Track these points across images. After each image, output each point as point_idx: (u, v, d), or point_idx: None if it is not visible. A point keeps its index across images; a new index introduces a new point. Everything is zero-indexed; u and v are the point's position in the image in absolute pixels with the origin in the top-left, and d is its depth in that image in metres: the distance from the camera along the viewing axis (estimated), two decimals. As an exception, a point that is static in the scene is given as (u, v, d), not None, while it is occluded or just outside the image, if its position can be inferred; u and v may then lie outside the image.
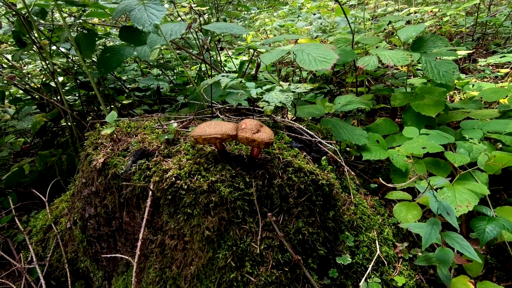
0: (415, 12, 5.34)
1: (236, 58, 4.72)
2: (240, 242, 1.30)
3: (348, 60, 2.42)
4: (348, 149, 2.71)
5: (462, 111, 2.63)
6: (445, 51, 2.50)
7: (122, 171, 1.46)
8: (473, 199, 1.54)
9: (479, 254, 1.39)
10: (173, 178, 1.30)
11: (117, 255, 1.42)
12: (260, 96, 1.54)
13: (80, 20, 2.81)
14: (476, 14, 5.44)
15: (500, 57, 4.03)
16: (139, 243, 1.28)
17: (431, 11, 5.36)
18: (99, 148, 1.65)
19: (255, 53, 2.43)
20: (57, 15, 3.17)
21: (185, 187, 1.28)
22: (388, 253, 1.64)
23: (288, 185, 1.42)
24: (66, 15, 3.26)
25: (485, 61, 4.28)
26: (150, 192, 1.33)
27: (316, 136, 1.71)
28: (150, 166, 1.40)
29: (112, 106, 3.81)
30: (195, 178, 1.31)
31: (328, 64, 1.79)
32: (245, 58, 4.58)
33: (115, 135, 1.66)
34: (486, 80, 4.06)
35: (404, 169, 2.01)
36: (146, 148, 1.52)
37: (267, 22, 5.51)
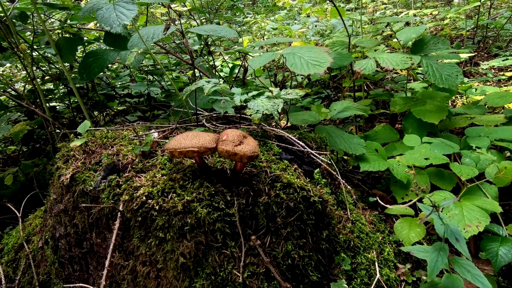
0: (414, 15, 5.22)
1: (233, 63, 4.59)
2: (220, 269, 1.15)
3: (344, 63, 2.28)
4: (345, 157, 2.55)
5: (466, 117, 2.48)
6: (447, 53, 2.36)
7: (91, 188, 1.31)
8: (484, 218, 1.38)
9: (491, 280, 1.23)
10: (144, 197, 1.15)
11: (81, 284, 1.26)
12: (244, 104, 1.39)
13: (66, 24, 2.69)
14: (476, 17, 5.32)
15: (503, 60, 3.89)
16: (105, 272, 1.12)
17: (430, 14, 5.25)
18: (70, 161, 1.50)
19: (247, 57, 2.30)
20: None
21: (157, 207, 1.13)
22: (389, 276, 1.48)
23: (275, 203, 1.26)
24: (54, 20, 3.14)
25: (488, 64, 4.14)
26: (119, 213, 1.18)
27: (307, 147, 1.56)
28: (121, 182, 1.25)
29: (105, 113, 3.66)
30: (169, 197, 1.16)
31: (321, 67, 1.65)
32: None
33: (88, 147, 1.52)
34: (489, 83, 3.92)
35: (406, 181, 1.86)
36: (119, 162, 1.37)
37: (263, 26, 5.39)
